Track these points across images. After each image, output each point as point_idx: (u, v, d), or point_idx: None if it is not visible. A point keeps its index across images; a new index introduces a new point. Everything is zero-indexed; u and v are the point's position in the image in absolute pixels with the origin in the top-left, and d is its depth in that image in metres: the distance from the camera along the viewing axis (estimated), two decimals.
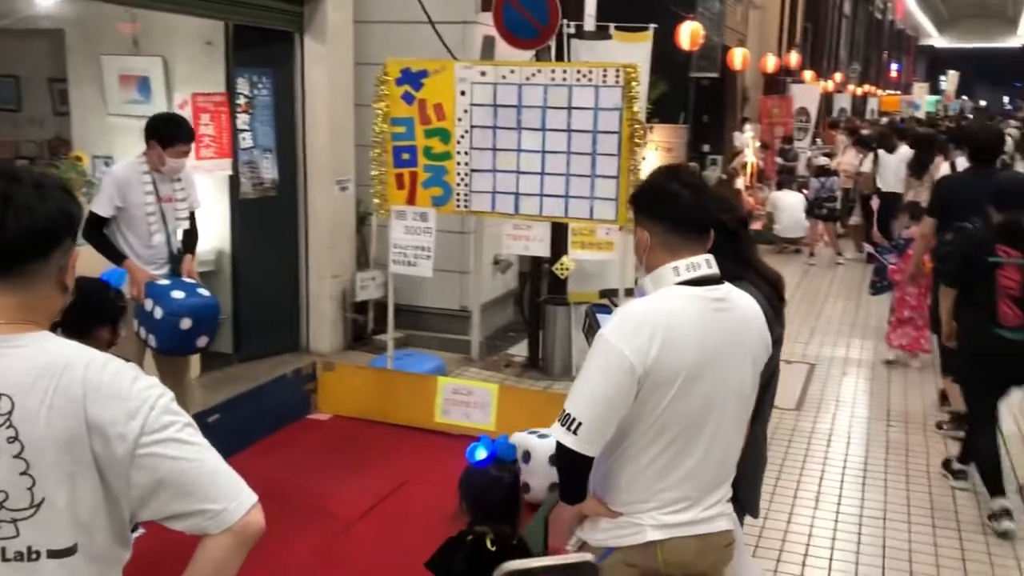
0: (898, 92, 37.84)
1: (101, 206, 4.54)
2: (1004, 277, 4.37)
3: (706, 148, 15.51)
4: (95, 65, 6.29)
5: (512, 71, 5.63)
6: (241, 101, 6.35)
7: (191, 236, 4.92)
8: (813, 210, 11.66)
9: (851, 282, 10.44)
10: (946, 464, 5.18)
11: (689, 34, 11.60)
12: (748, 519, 2.93)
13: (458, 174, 5.80)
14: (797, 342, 7.76)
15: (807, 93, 17.36)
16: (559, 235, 5.90)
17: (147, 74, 6.07)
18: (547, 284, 6.80)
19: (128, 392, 1.48)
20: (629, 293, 6.85)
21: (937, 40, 60.50)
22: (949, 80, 47.43)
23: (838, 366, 7.27)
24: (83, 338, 1.80)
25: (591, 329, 2.53)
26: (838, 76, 25.63)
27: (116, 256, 4.58)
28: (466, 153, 5.76)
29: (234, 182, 6.32)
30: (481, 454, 3.09)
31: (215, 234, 6.26)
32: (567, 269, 5.86)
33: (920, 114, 30.43)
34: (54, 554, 1.46)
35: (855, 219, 12.04)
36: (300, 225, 6.86)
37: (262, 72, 6.46)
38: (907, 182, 10.02)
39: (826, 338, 8.02)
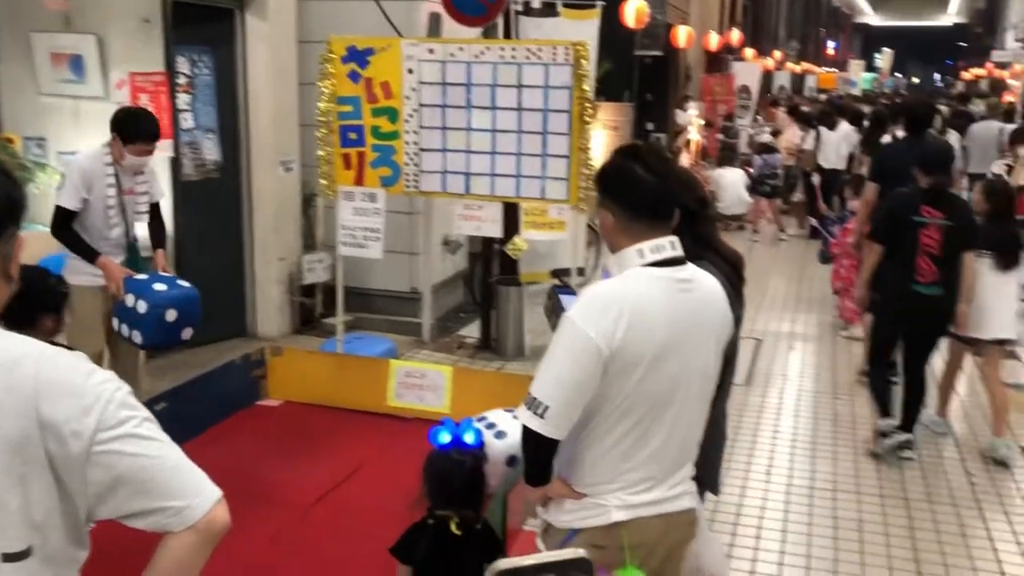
0: (835, 70, 38.44)
1: (69, 199, 4.38)
2: (926, 236, 4.74)
3: (650, 126, 15.56)
4: (24, 43, 6.05)
5: (460, 49, 5.56)
6: (181, 80, 6.18)
7: (159, 230, 4.81)
8: (756, 187, 11.79)
9: (794, 258, 10.60)
10: (881, 433, 5.23)
11: (634, 12, 11.61)
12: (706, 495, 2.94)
13: (407, 154, 5.73)
14: (743, 318, 7.85)
15: (748, 71, 17.54)
16: (511, 215, 5.86)
17: (80, 52, 5.85)
18: (498, 264, 6.76)
19: (82, 387, 1.40)
20: (580, 273, 6.87)
21: (872, 18, 61.55)
22: (884, 58, 48.36)
23: (784, 340, 7.38)
24: (26, 329, 1.72)
25: (553, 310, 2.50)
26: (777, 54, 25.94)
27: (89, 253, 4.45)
28: (415, 132, 5.69)
29: (175, 164, 6.14)
30: (445, 438, 3.05)
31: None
32: (520, 250, 5.83)
33: (856, 91, 30.98)
34: (8, 557, 1.39)
35: (798, 196, 12.21)
36: (244, 207, 6.72)
37: (202, 50, 6.29)
38: (860, 159, 10.20)
39: (771, 313, 8.13)
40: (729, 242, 2.88)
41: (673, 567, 2.36)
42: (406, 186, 5.80)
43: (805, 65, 32.35)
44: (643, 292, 2.11)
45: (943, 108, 13.74)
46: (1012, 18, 36.37)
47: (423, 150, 5.71)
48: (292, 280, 6.94)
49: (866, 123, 11.01)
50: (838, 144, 10.91)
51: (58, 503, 1.41)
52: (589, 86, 5.49)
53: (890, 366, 5.32)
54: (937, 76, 65.55)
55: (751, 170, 12.28)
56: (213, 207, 6.45)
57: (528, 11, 7.08)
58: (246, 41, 6.47)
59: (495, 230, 5.89)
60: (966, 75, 44.31)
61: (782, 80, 24.07)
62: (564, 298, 2.50)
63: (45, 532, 1.41)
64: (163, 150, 5.90)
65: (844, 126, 11.23)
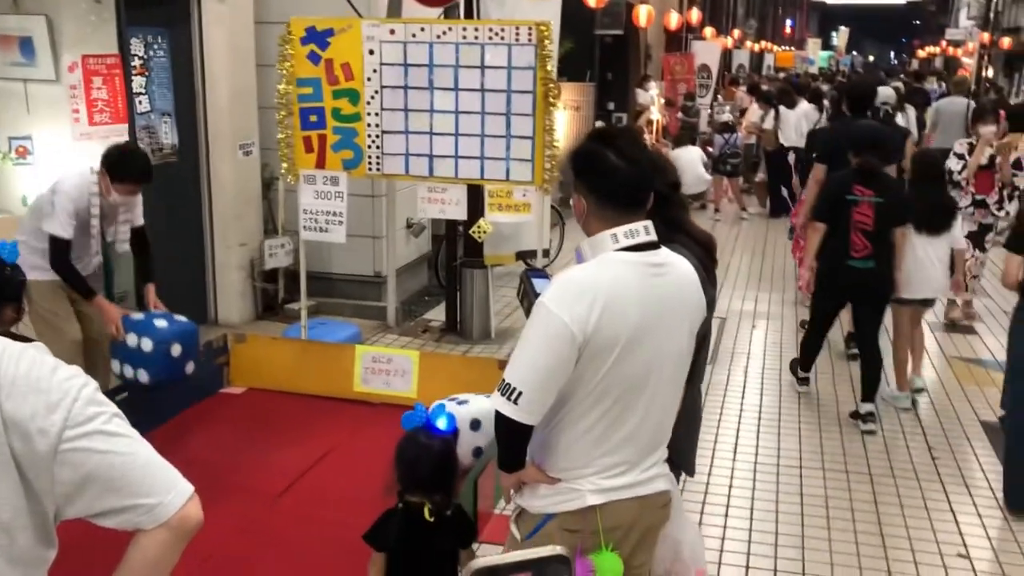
0: (792, 48, 38.72)
1: (63, 228, 4.32)
2: (859, 213, 5.02)
3: (611, 106, 15.56)
4: None
5: (422, 29, 5.50)
6: (135, 63, 6.03)
7: (146, 262, 4.76)
8: (718, 166, 11.84)
9: (756, 236, 10.69)
10: (853, 415, 5.38)
11: None
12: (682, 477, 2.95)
13: (369, 136, 5.66)
14: (716, 299, 7.91)
15: (708, 50, 17.59)
16: (475, 197, 5.82)
17: (29, 34, 5.68)
18: (463, 247, 6.73)
19: (48, 384, 1.36)
20: (546, 254, 6.86)
21: None
22: (840, 36, 48.79)
23: (747, 319, 7.44)
24: None
25: (526, 294, 2.48)
26: (736, 33, 26.03)
27: (86, 290, 4.43)
28: (377, 114, 5.62)
29: None
30: (416, 423, 3.03)
31: None
32: (485, 232, 5.80)
33: (814, 69, 31.24)
34: None
35: (761, 176, 12.28)
36: (203, 192, 6.61)
37: (157, 32, 6.14)
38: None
39: (735, 292, 8.20)
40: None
41: (647, 549, 2.37)
42: (369, 169, 5.74)
43: (763, 44, 32.54)
44: (617, 277, 2.10)
45: (900, 86, 13.90)
46: None
47: (385, 132, 5.65)
48: (253, 266, 6.85)
49: (826, 102, 11.13)
50: (798, 122, 10.99)
51: (25, 503, 1.37)
52: (552, 66, 5.45)
53: (852, 339, 5.80)
54: (892, 54, 66.34)
55: (711, 149, 12.33)
56: (171, 192, 6.32)
57: None
58: (202, 22, 6.34)
59: (460, 213, 5.85)
60: (921, 53, 44.89)
61: (741, 59, 24.18)
62: (536, 281, 2.48)
63: (12, 532, 1.37)
64: (118, 135, 5.79)
65: (803, 104, 11.32)
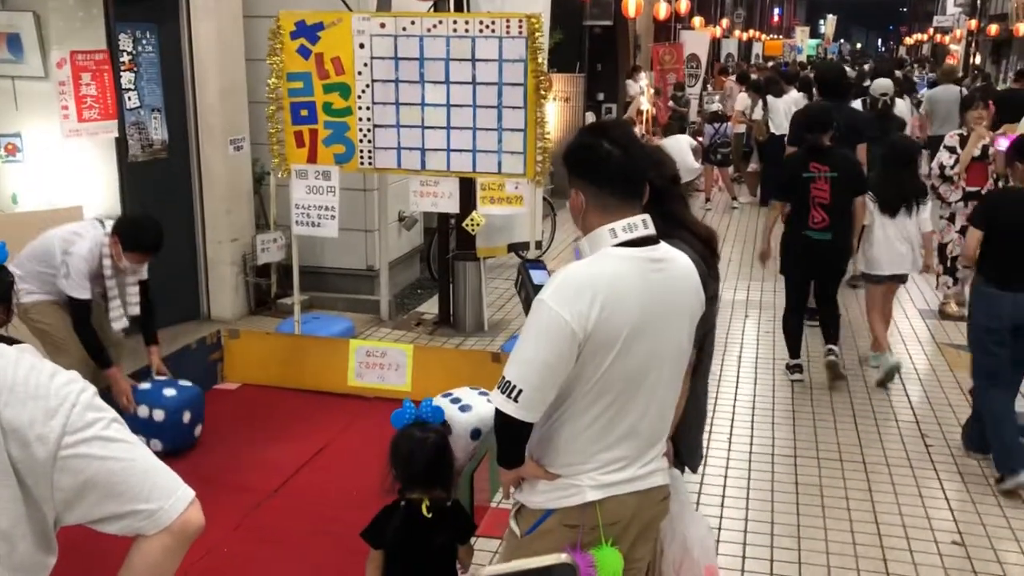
0: (781, 37, 38.74)
1: (81, 289, 4.35)
2: (816, 189, 5.41)
3: (601, 97, 15.54)
4: None
5: (412, 22, 5.48)
6: (125, 59, 6.00)
7: (150, 320, 4.76)
8: (708, 156, 11.83)
9: (748, 226, 10.71)
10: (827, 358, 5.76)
11: None
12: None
13: (360, 130, 5.65)
14: (719, 293, 7.92)
15: (697, 39, 17.57)
16: (467, 190, 5.81)
17: (17, 30, 5.63)
18: (455, 239, 6.72)
19: (46, 390, 1.35)
20: (538, 246, 6.85)
21: None
22: (828, 24, 48.85)
23: (740, 309, 7.45)
24: None
25: (523, 285, 2.47)
26: (725, 22, 26.03)
27: (103, 359, 4.45)
28: (368, 108, 5.61)
29: (121, 145, 5.98)
30: (406, 419, 3.02)
31: (104, 200, 5.93)
32: (477, 225, 5.79)
33: (802, 58, 31.29)
34: None
35: (753, 166, 12.27)
36: (194, 188, 6.58)
37: (146, 27, 6.11)
38: None
39: (727, 282, 8.20)
40: None
41: (646, 543, 2.37)
42: (361, 163, 5.72)
43: (752, 32, 32.53)
44: (617, 273, 2.10)
45: (899, 76, 13.95)
46: None
47: (377, 126, 5.63)
48: (246, 261, 6.83)
49: (815, 90, 11.12)
50: (787, 110, 10.98)
51: (24, 510, 1.36)
52: (543, 58, 5.44)
53: (811, 312, 6.05)
54: (879, 42, 66.42)
55: (701, 139, 12.32)
56: (162, 188, 6.30)
57: None
58: (191, 16, 6.30)
59: (452, 206, 5.84)
60: (908, 41, 44.96)
61: (729, 48, 24.18)
62: (534, 272, 2.47)
63: (12, 540, 1.36)
64: (108, 131, 5.76)
65: (793, 93, 11.32)
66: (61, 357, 4.38)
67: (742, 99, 12.80)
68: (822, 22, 52.37)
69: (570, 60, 13.20)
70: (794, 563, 3.80)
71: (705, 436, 4.90)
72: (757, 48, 30.85)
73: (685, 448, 2.63)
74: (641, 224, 2.15)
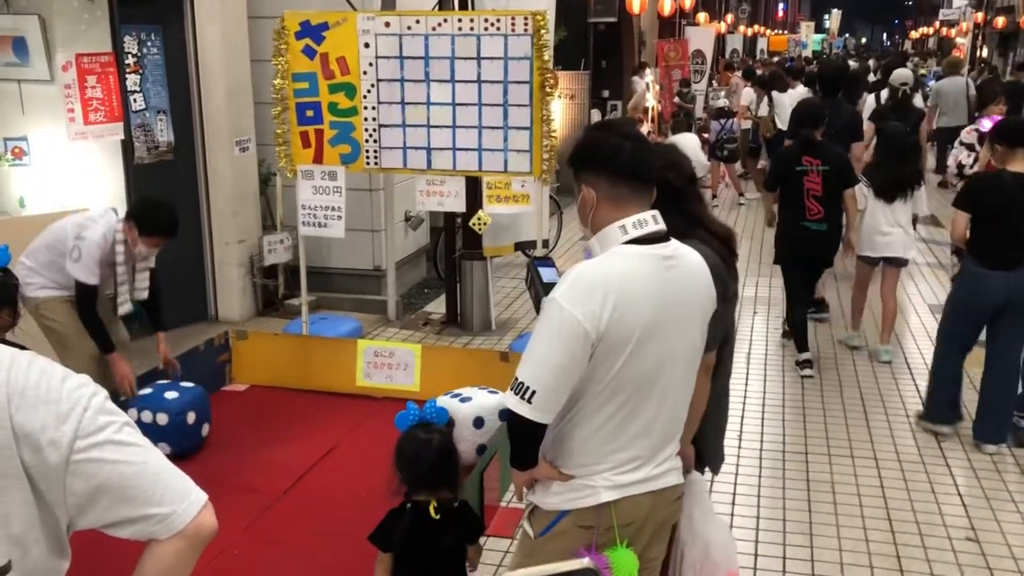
0: (786, 32, 38.63)
1: (90, 274, 4.33)
2: (809, 181, 5.63)
3: (606, 94, 15.52)
4: None
5: (417, 21, 5.46)
6: (130, 61, 6.00)
7: (158, 306, 4.76)
8: (714, 152, 11.80)
9: (755, 222, 10.67)
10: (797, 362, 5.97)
11: None
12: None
13: (366, 130, 5.64)
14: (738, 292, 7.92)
15: (702, 35, 17.52)
16: (473, 189, 5.80)
17: (23, 34, 5.65)
18: (462, 239, 6.70)
19: (58, 394, 1.34)
20: (545, 244, 6.83)
21: None
22: (832, 19, 48.70)
23: (748, 304, 7.41)
24: None
25: (533, 283, 2.45)
26: (729, 18, 25.97)
27: (106, 344, 4.45)
28: (373, 108, 5.60)
29: (127, 147, 5.99)
30: (411, 421, 2.99)
31: (110, 203, 5.93)
32: (484, 224, 5.78)
33: (807, 53, 31.17)
34: None
35: (763, 163, 12.21)
36: (201, 189, 6.58)
37: (151, 29, 6.11)
38: None
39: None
40: None
41: (660, 543, 2.36)
42: (367, 163, 5.71)
43: (756, 28, 32.46)
44: (628, 272, 2.08)
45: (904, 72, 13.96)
46: None
47: (383, 126, 5.62)
48: (253, 262, 6.83)
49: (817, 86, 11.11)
50: (792, 105, 10.93)
51: (37, 515, 1.35)
52: (549, 56, 5.43)
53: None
54: (885, 36, 66.22)
55: (707, 135, 12.29)
56: (168, 190, 6.27)
57: None
58: (196, 18, 6.30)
59: (458, 205, 5.83)
60: (914, 34, 44.80)
61: (734, 44, 24.13)
62: (543, 270, 2.46)
63: (25, 545, 1.35)
64: (114, 133, 5.76)
65: (799, 88, 11.27)
66: (69, 357, 4.39)
67: (747, 94, 12.75)
68: (827, 17, 52.22)
69: (575, 57, 13.17)
70: (807, 560, 3.78)
71: None
72: (762, 43, 30.79)
73: (705, 449, 2.60)
74: (651, 219, 2.13)
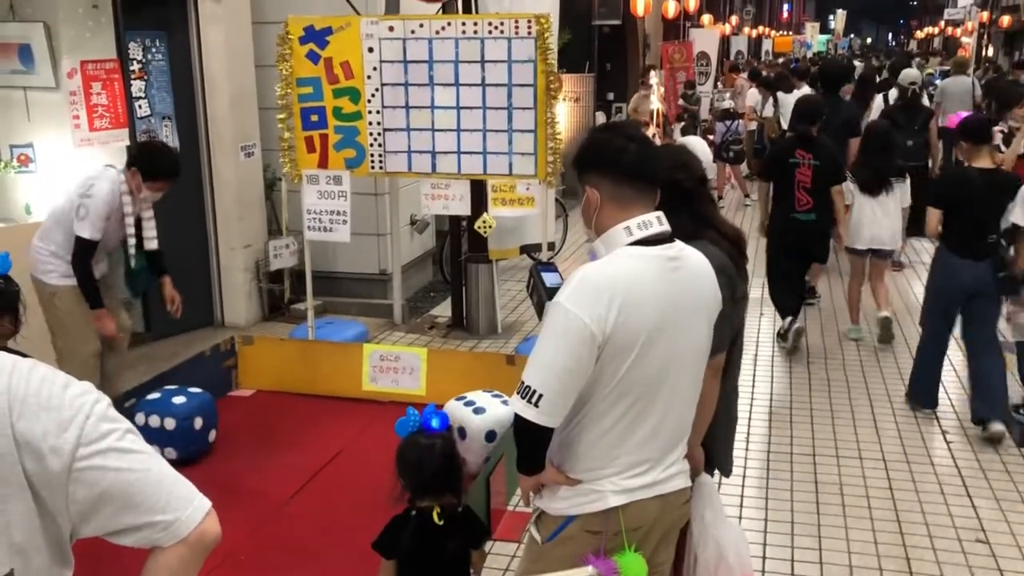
0: (790, 33, 38.58)
1: (93, 231, 4.37)
2: (800, 174, 5.96)
3: (611, 96, 15.51)
4: None
5: (421, 25, 5.46)
6: (135, 67, 6.01)
7: (159, 253, 4.79)
8: (720, 153, 11.78)
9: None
10: (780, 334, 6.39)
11: None
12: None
13: (371, 134, 5.63)
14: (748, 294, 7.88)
15: (706, 37, 17.50)
16: (478, 192, 5.79)
17: (28, 41, 5.66)
18: (467, 242, 6.70)
19: (60, 401, 1.33)
20: (551, 247, 6.82)
21: None
22: (838, 19, 48.61)
23: (754, 306, 7.38)
24: None
25: (535, 288, 2.44)
26: (734, 19, 25.94)
27: (96, 299, 4.48)
28: (378, 112, 5.60)
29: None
30: (411, 426, 2.97)
31: None
32: (489, 227, 5.77)
33: (812, 54, 31.13)
34: None
35: None
36: (206, 195, 6.59)
37: (155, 35, 6.12)
38: None
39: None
40: None
41: (668, 547, 2.34)
42: (372, 167, 5.71)
43: (761, 29, 32.42)
44: (634, 273, 2.07)
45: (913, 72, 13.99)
46: None
47: (387, 130, 5.62)
48: (259, 267, 6.83)
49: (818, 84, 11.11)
50: None
51: (39, 523, 1.35)
52: (553, 59, 5.42)
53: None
54: (890, 35, 66.09)
55: (712, 137, 12.27)
56: (174, 196, 6.23)
57: None
58: (200, 24, 6.31)
59: (463, 208, 5.82)
60: (919, 34, 44.69)
61: (739, 45, 24.09)
62: (545, 275, 2.45)
63: (27, 554, 1.35)
64: (119, 140, 5.77)
65: (804, 89, 11.25)
66: (68, 350, 4.47)
67: (752, 95, 12.74)
68: (832, 17, 52.15)
69: (579, 60, 13.18)
70: (815, 563, 3.76)
71: None
72: (767, 45, 30.75)
73: (716, 451, 2.59)
74: (656, 221, 2.12)
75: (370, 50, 5.52)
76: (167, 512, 1.38)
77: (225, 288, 6.75)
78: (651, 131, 13.32)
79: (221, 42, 6.36)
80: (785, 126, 11.05)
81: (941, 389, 5.55)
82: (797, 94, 11.04)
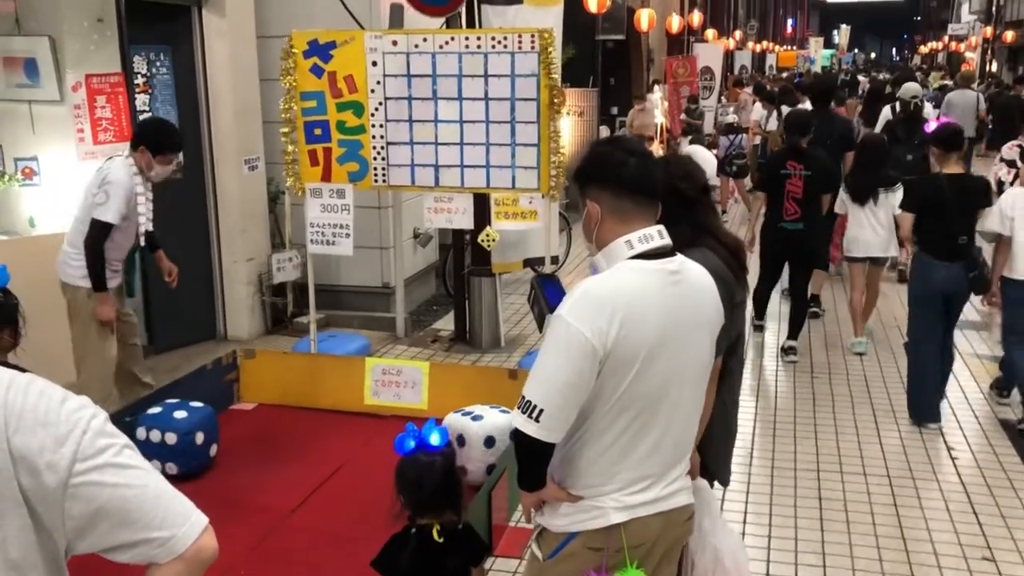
0: (794, 47, 38.66)
1: (114, 215, 4.54)
2: (791, 184, 6.20)
3: (614, 111, 15.55)
4: None
5: (425, 39, 5.47)
6: (139, 81, 6.03)
7: (153, 233, 4.90)
8: (723, 168, 11.79)
9: None
10: (783, 349, 6.50)
11: None
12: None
13: (374, 148, 5.64)
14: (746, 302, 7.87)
15: (710, 52, 17.55)
16: (481, 206, 5.79)
17: (33, 55, 5.68)
18: (470, 255, 6.69)
19: (56, 416, 1.32)
20: (555, 261, 6.82)
21: None
22: (842, 34, 48.79)
23: None
24: None
25: (536, 300, 2.44)
26: (738, 34, 26.01)
27: (101, 280, 4.62)
28: (381, 126, 5.61)
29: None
30: (410, 444, 2.95)
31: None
32: (493, 240, 5.77)
33: (816, 68, 31.20)
34: None
35: None
36: (210, 208, 6.60)
37: (160, 49, 6.14)
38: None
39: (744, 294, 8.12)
40: None
41: (671, 563, 2.32)
42: (375, 180, 5.71)
43: (765, 44, 32.50)
44: (635, 287, 2.06)
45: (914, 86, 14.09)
46: None
47: (390, 144, 5.63)
48: (262, 280, 6.83)
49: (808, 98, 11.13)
50: None
51: (35, 539, 1.33)
52: (556, 73, 5.43)
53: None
54: (894, 51, 66.22)
55: (715, 151, 12.28)
56: (177, 209, 6.31)
57: None
58: (204, 38, 6.34)
59: (466, 222, 5.82)
60: (923, 49, 44.78)
61: (743, 60, 24.15)
62: (547, 288, 2.44)
63: (23, 570, 1.33)
64: (123, 153, 5.77)
65: (808, 103, 11.26)
66: (87, 350, 4.63)
67: (757, 109, 12.76)
68: (836, 32, 52.30)
69: (583, 75, 13.21)
70: None
71: None
72: (771, 59, 30.81)
73: (713, 460, 2.57)
74: (657, 235, 2.11)
75: (374, 64, 5.53)
76: (164, 528, 1.36)
77: (228, 301, 6.75)
78: (655, 146, 13.35)
79: (226, 56, 6.38)
80: None
81: (946, 404, 5.53)
82: (801, 108, 11.09)
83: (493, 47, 5.34)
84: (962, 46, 32.71)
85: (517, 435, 2.07)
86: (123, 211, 4.55)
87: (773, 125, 11.54)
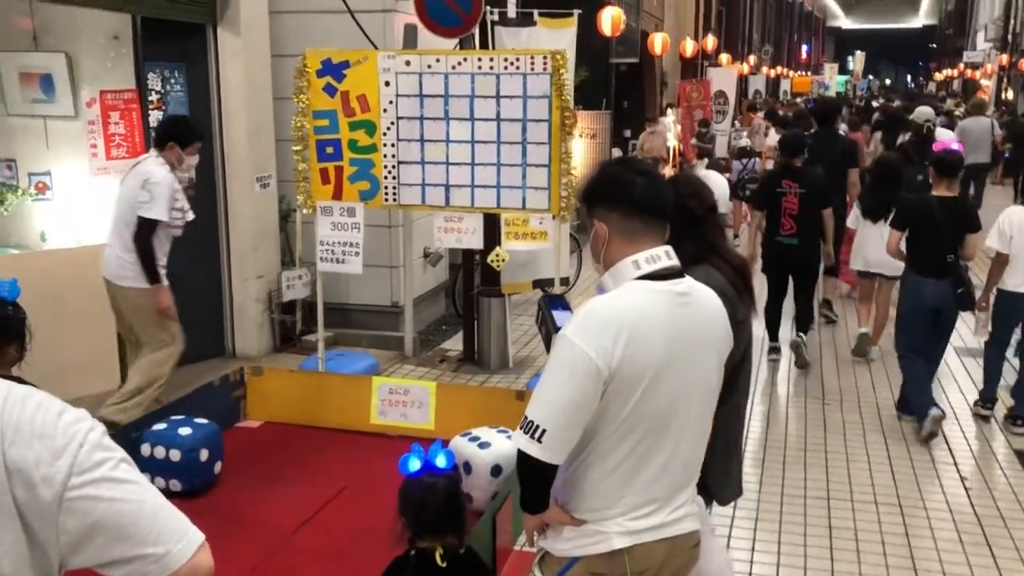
0: (809, 73, 38.71)
1: (163, 212, 4.75)
2: (787, 202, 6.46)
3: (627, 133, 15.57)
4: None
5: (437, 60, 5.50)
6: (153, 97, 6.07)
7: None
8: (736, 191, 11.77)
9: None
10: (793, 345, 6.79)
11: (610, 20, 11.58)
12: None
13: (385, 167, 5.65)
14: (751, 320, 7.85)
15: (724, 76, 17.56)
16: (492, 226, 5.79)
17: (50, 71, 5.74)
18: (480, 276, 6.68)
19: (53, 428, 1.30)
20: (564, 283, 6.80)
21: (844, 21, 62.20)
22: (856, 61, 48.85)
23: (765, 346, 7.31)
24: None
25: (543, 321, 2.42)
26: (752, 59, 26.07)
27: (155, 273, 4.83)
28: (393, 145, 5.62)
29: None
30: (415, 464, 2.92)
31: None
32: (503, 260, 5.76)
33: (831, 94, 31.19)
34: None
35: None
36: (221, 225, 6.61)
37: (174, 66, 6.18)
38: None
39: (756, 319, 8.07)
40: None
41: None
42: (385, 199, 5.72)
43: (779, 69, 32.56)
44: (641, 308, 2.04)
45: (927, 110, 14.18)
46: (982, 19, 36.81)
47: (402, 163, 5.64)
48: (271, 298, 6.83)
49: (844, 124, 11.23)
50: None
51: (28, 554, 1.31)
52: (568, 95, 5.43)
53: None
54: (908, 77, 66.27)
55: (728, 175, 12.26)
56: (188, 225, 6.32)
57: (504, 21, 7.01)
58: (219, 56, 6.37)
59: (476, 242, 5.81)
60: (938, 76, 44.78)
61: (757, 84, 24.18)
62: (555, 309, 2.42)
63: None
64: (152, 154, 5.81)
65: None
66: (166, 342, 4.95)
67: (772, 135, 12.76)
68: (851, 58, 52.36)
69: (597, 97, 13.24)
70: None
71: None
72: (785, 84, 30.84)
73: (711, 476, 2.53)
74: (664, 255, 2.09)
75: (387, 84, 5.55)
76: (159, 544, 1.34)
77: (237, 318, 6.75)
78: (667, 169, 13.35)
79: (240, 74, 6.42)
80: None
81: (958, 429, 5.48)
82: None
83: (505, 68, 5.36)
84: (977, 73, 32.70)
85: (519, 455, 2.05)
86: (169, 206, 4.72)
87: None
